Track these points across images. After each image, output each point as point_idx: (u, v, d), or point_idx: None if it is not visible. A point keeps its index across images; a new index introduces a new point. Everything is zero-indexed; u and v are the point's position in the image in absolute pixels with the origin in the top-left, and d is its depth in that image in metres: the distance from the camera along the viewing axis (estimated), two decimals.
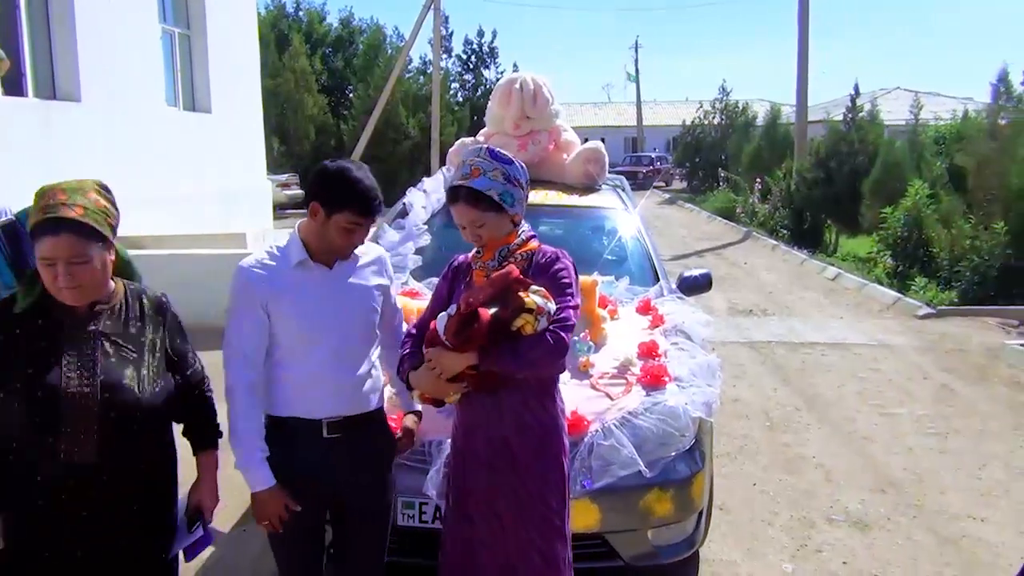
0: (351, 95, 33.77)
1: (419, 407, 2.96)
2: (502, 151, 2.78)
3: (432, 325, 2.65)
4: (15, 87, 10.41)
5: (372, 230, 2.91)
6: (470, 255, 2.83)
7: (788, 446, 5.79)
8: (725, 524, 4.54)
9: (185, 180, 13.24)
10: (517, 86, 5.22)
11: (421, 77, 32.73)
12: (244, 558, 4.10)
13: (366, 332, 2.74)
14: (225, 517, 4.48)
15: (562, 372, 2.78)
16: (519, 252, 2.71)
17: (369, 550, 2.92)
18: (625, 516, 3.33)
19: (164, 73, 13.58)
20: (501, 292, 2.52)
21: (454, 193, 2.70)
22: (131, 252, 3.94)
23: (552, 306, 2.55)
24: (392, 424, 2.94)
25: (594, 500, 3.24)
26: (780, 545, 4.35)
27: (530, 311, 2.49)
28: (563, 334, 2.54)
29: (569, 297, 2.61)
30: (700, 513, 3.56)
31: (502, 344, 2.51)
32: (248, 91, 16.28)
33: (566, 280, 2.65)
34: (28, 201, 3.78)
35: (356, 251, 2.74)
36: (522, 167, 2.75)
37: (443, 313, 2.63)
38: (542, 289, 2.57)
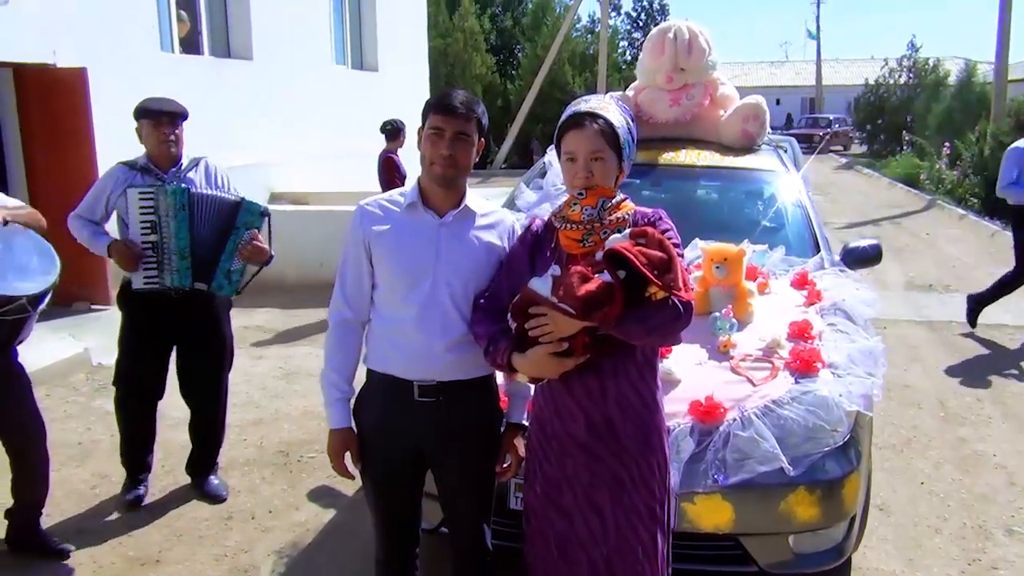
0: (519, 54, 33.70)
1: (526, 420, 2.68)
2: (626, 105, 2.51)
3: (523, 293, 2.34)
4: (193, 46, 10.87)
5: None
6: (550, 214, 2.50)
7: (964, 441, 5.17)
8: (885, 527, 4.06)
9: (352, 137, 13.48)
10: (671, 35, 4.78)
11: (588, 35, 32.21)
12: (365, 523, 4.02)
13: (469, 292, 2.52)
14: (349, 482, 4.42)
15: (679, 343, 2.48)
16: (617, 210, 2.39)
17: (467, 531, 2.74)
18: (763, 518, 2.96)
19: (334, 32, 13.86)
20: (660, 257, 2.24)
21: (578, 119, 2.40)
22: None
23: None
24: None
25: (727, 497, 2.90)
26: (948, 557, 3.84)
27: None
28: (688, 297, 2.28)
29: (680, 259, 2.35)
30: (852, 519, 3.13)
31: (629, 310, 2.23)
32: (416, 50, 16.45)
33: (675, 240, 2.36)
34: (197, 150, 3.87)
35: (478, 208, 2.56)
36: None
37: (537, 280, 2.34)
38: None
